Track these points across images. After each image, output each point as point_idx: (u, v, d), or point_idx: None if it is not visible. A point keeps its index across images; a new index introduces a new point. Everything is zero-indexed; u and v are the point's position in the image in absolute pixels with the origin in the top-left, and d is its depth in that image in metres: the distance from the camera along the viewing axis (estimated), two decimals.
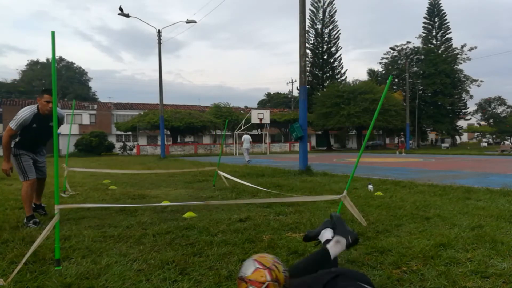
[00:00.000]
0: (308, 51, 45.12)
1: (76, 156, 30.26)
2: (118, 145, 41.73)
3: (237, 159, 22.93)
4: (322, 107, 39.69)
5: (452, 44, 48.92)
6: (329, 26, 47.54)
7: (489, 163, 16.24)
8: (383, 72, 51.48)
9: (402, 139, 30.22)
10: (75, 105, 42.81)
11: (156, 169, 12.89)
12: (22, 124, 4.39)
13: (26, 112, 4.42)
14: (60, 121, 4.32)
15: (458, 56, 48.15)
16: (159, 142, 35.16)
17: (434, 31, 50.12)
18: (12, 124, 4.37)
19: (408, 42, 51.71)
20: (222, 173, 7.97)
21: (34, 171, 4.59)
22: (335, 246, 2.39)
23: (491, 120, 68.40)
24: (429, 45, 49.08)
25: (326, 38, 47.88)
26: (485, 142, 59.65)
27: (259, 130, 42.81)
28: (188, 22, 25.38)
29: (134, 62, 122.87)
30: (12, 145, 4.49)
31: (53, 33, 2.68)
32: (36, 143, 4.67)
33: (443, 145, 47.77)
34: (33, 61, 65.69)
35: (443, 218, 4.32)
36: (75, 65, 68.37)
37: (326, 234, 2.56)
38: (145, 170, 11.70)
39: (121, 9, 23.52)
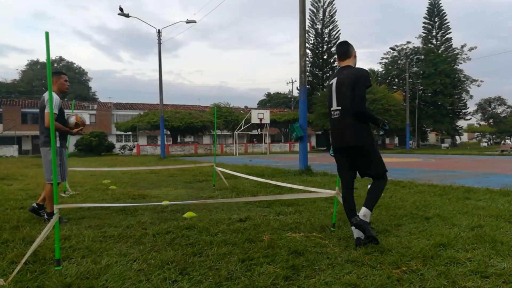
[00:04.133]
0: (308, 51, 45.13)
1: (76, 156, 30.24)
2: (118, 145, 41.74)
3: (237, 159, 22.93)
4: (322, 107, 39.66)
5: (452, 44, 48.96)
6: (329, 26, 47.54)
7: (489, 163, 16.24)
8: (383, 72, 51.49)
9: None
10: (75, 105, 42.82)
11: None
12: (59, 104, 4.10)
13: (53, 94, 4.11)
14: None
15: (458, 56, 48.13)
16: (159, 142, 35.18)
17: (434, 31, 50.12)
18: (53, 109, 4.06)
19: (408, 42, 51.79)
20: (219, 169, 8.10)
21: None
22: None
23: (491, 120, 68.36)
24: (429, 45, 49.07)
25: (326, 38, 47.86)
26: (485, 142, 59.58)
27: (259, 130, 42.82)
28: (188, 22, 25.39)
29: (133, 62, 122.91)
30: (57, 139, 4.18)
31: (47, 34, 2.67)
32: (65, 132, 4.36)
33: (443, 145, 47.73)
34: (33, 61, 65.57)
35: (443, 218, 4.32)
36: (75, 65, 68.34)
37: None
38: (144, 167, 11.92)
39: (121, 9, 23.52)
